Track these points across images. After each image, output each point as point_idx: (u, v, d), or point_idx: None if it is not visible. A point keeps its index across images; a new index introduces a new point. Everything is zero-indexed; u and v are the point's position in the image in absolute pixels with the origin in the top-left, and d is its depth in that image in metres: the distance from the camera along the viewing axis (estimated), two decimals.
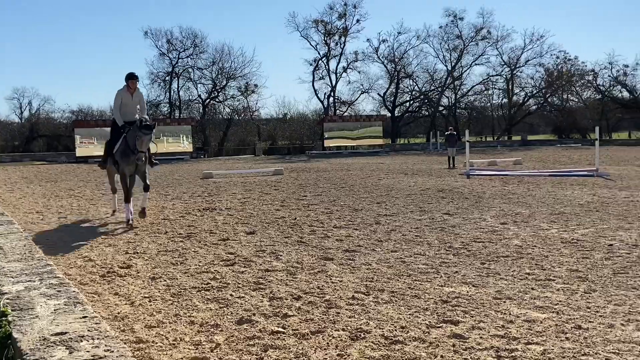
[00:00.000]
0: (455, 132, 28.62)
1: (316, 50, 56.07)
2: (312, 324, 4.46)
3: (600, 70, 58.33)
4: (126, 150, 9.86)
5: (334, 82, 56.55)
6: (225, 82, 54.77)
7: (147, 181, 10.18)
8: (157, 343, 4.12)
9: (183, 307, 4.99)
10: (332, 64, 56.58)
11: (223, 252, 7.35)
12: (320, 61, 56.31)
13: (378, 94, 59.89)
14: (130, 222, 9.63)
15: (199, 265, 6.62)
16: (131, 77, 10.34)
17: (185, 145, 42.48)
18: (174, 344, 4.10)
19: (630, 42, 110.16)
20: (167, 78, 52.70)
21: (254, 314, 4.75)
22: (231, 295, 5.35)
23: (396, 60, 57.87)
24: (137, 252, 7.48)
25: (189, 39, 52.65)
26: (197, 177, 21.02)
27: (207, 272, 6.30)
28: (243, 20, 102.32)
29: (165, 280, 5.97)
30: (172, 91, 53.20)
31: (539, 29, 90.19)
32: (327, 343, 4.07)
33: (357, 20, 55.14)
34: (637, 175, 17.60)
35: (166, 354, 3.92)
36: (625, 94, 58.74)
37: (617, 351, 3.82)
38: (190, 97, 55.14)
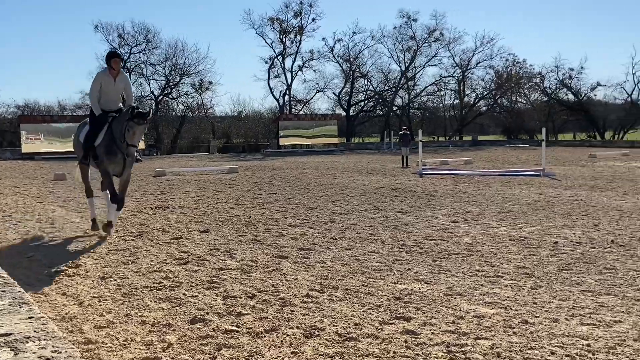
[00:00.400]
0: (408, 132, 29.08)
1: (272, 48, 55.87)
2: (266, 323, 4.45)
3: (547, 74, 60.15)
4: (111, 145, 8.10)
5: (289, 81, 56.52)
6: (178, 78, 54.01)
7: (126, 192, 8.76)
8: (107, 344, 4.03)
9: (134, 307, 4.89)
10: (288, 62, 56.52)
11: (176, 251, 7.25)
12: (275, 59, 56.15)
13: (333, 93, 60.18)
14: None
15: (151, 265, 6.51)
16: (113, 56, 8.58)
17: None
18: (124, 345, 4.02)
19: (576, 46, 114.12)
20: None
21: (208, 313, 4.70)
22: (184, 294, 5.28)
23: (351, 59, 58.16)
24: (86, 251, 7.30)
25: (141, 34, 51.61)
26: (149, 175, 20.65)
27: (159, 271, 6.20)
28: (197, 16, 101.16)
29: (115, 280, 5.84)
30: None
31: (490, 31, 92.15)
32: (281, 341, 4.06)
33: (313, 19, 55.23)
34: (581, 175, 18.22)
35: (116, 355, 3.84)
36: (571, 96, 60.88)
37: (561, 345, 3.95)
38: (143, 93, 54.10)
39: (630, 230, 8.29)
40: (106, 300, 5.13)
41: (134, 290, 5.43)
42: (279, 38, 55.27)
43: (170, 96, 54.77)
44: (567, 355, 3.77)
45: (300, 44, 55.77)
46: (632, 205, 10.93)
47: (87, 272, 6.20)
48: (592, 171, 20.06)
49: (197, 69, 53.52)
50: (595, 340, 4.04)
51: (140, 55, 52.19)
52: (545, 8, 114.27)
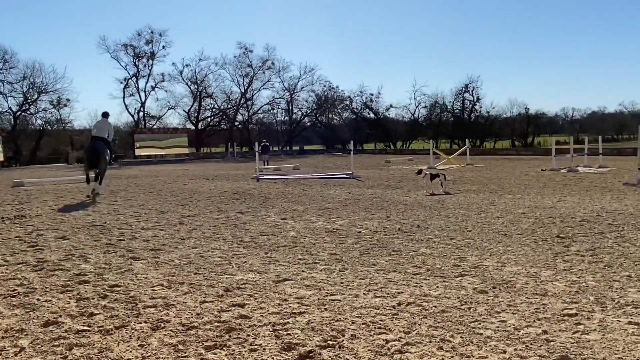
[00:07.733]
0: (268, 144, 31.66)
1: (126, 70, 52.50)
2: (116, 320, 4.16)
3: (354, 97, 63.81)
4: None
5: (143, 99, 53.48)
6: (36, 95, 48.50)
7: None
8: None
9: None
10: (141, 83, 53.42)
11: (31, 259, 6.47)
12: (130, 80, 52.82)
13: (183, 110, 58.03)
14: None
15: (6, 273, 5.75)
16: None
17: None
18: None
19: (375, 76, 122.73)
20: None
21: (60, 316, 4.27)
22: (38, 299, 4.74)
23: (198, 82, 56.83)
24: None
25: None
26: (7, 186, 18.22)
27: (14, 278, 5.50)
28: (55, 38, 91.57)
29: None
30: None
31: (311, 63, 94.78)
32: (130, 336, 3.82)
33: (163, 47, 52.94)
34: (379, 177, 19.63)
35: None
36: (372, 115, 65.34)
37: (359, 315, 4.22)
38: (1, 109, 47.70)
39: (411, 220, 9.11)
40: None
41: None
42: (133, 62, 52.14)
43: (28, 112, 49.00)
44: (363, 323, 4.03)
45: (152, 67, 53.14)
46: (413, 200, 12.03)
47: None
48: (387, 173, 21.71)
49: (55, 87, 48.49)
50: (384, 308, 4.37)
51: None
52: (352, 45, 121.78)
